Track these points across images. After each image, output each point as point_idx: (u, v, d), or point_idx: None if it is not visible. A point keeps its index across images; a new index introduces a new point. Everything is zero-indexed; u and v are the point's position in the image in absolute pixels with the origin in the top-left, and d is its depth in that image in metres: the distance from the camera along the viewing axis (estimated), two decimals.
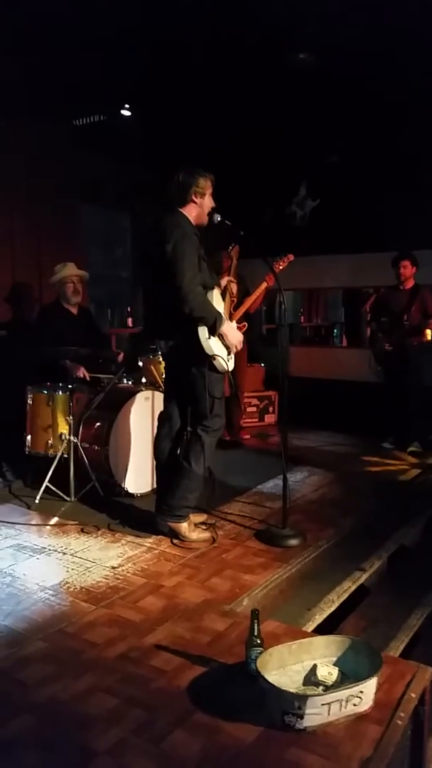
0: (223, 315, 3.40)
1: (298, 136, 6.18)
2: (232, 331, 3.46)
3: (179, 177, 3.39)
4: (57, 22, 4.24)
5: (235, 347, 3.48)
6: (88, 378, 4.50)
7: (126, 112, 5.88)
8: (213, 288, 3.47)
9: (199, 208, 3.42)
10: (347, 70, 4.95)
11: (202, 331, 3.29)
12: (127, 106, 5.82)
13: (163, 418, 3.66)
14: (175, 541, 3.48)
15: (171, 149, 6.37)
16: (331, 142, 6.32)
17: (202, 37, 4.55)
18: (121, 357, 4.83)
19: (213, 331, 3.31)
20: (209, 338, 3.31)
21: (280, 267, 4.68)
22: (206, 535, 3.56)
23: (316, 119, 5.85)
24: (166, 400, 3.71)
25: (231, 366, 3.53)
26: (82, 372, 4.47)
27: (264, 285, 5.13)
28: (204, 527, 3.66)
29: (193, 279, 3.24)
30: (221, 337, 3.40)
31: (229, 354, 3.48)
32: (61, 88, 5.21)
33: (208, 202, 3.45)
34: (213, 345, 3.34)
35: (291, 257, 4.75)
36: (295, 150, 6.40)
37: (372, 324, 5.97)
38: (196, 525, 3.64)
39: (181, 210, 3.41)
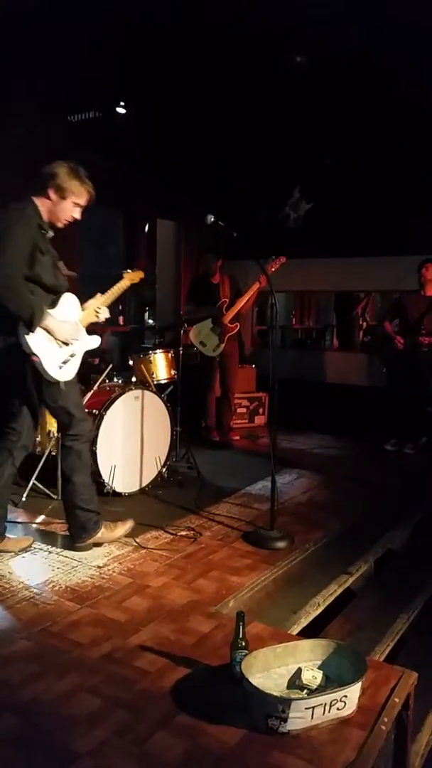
0: (47, 311, 2.98)
1: (293, 139, 6.18)
2: (62, 327, 3.04)
3: (53, 164, 3.03)
4: (52, 17, 4.22)
5: (66, 343, 3.07)
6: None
7: (121, 110, 5.86)
8: (62, 292, 3.13)
9: (52, 206, 3.03)
10: (344, 70, 4.96)
11: (20, 325, 2.92)
12: (122, 104, 5.81)
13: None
14: (149, 545, 3.47)
15: (166, 149, 6.38)
16: (327, 145, 6.33)
17: (200, 36, 4.55)
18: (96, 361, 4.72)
19: (29, 324, 2.90)
20: (28, 333, 2.93)
21: (273, 269, 4.69)
22: (129, 524, 3.42)
23: (312, 122, 5.86)
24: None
25: (64, 376, 3.08)
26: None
27: (256, 286, 5.13)
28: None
29: (13, 255, 2.85)
30: (60, 342, 3.05)
31: (65, 361, 3.09)
32: (57, 85, 5.19)
33: (67, 209, 3.06)
34: (32, 342, 2.94)
35: (283, 259, 4.75)
36: (290, 153, 6.41)
37: (383, 325, 5.88)
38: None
39: (34, 198, 3.04)
